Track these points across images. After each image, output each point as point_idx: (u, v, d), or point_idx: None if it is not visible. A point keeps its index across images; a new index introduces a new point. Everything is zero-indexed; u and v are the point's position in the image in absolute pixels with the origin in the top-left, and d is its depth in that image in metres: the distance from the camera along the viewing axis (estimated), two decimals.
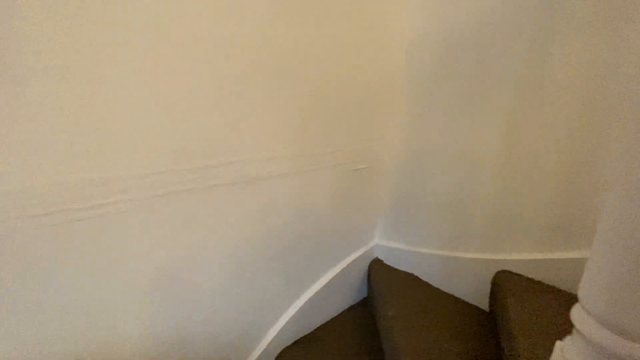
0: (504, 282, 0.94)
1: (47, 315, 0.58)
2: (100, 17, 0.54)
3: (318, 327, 1.10)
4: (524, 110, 0.88)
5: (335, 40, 0.87)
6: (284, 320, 1.01)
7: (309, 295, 1.05)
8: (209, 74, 0.68)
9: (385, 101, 1.05)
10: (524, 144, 0.90)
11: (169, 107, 0.65)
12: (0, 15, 0.46)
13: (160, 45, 0.61)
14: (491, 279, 1.01)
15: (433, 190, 1.07)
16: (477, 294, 1.04)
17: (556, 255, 0.93)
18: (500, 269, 1.00)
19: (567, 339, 0.37)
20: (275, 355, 1.01)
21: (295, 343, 1.04)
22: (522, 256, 0.97)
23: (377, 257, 1.24)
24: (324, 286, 1.08)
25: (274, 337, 0.99)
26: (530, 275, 0.96)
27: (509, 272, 0.98)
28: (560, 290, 0.90)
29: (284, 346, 1.03)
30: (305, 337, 1.07)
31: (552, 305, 0.83)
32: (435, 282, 1.13)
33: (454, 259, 1.07)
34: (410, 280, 1.14)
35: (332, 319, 1.14)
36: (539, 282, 0.93)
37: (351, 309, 1.20)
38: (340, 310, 1.18)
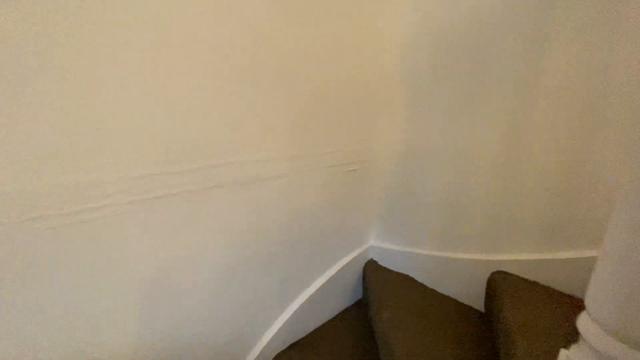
0: (500, 283, 0.94)
1: (47, 315, 0.57)
2: (94, 17, 0.53)
3: (313, 331, 1.09)
4: (521, 111, 0.87)
5: (332, 41, 0.86)
6: (278, 324, 0.99)
7: (304, 298, 1.03)
8: (207, 75, 0.67)
9: (381, 101, 1.04)
10: (520, 144, 0.90)
11: (167, 107, 0.64)
12: None
13: (158, 45, 0.60)
14: (487, 280, 1.01)
15: (428, 190, 1.07)
16: (472, 294, 1.04)
17: (551, 255, 0.93)
18: (495, 270, 1.00)
19: (573, 347, 0.36)
20: None
21: (291, 347, 1.03)
22: (518, 257, 0.97)
23: (372, 259, 1.23)
24: (319, 289, 1.07)
25: (269, 341, 0.97)
26: (525, 276, 0.96)
27: (505, 272, 0.98)
28: (555, 291, 0.90)
29: (279, 350, 1.01)
30: (300, 340, 1.06)
31: (549, 306, 0.83)
32: (430, 283, 1.12)
33: (449, 259, 1.07)
34: (406, 282, 1.13)
35: (327, 322, 1.13)
36: (534, 283, 0.93)
37: (346, 311, 1.19)
38: (336, 312, 1.17)
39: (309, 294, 1.05)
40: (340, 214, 1.07)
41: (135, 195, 0.63)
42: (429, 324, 0.96)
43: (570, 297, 0.89)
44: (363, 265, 1.21)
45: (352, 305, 1.21)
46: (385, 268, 1.19)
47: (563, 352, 0.38)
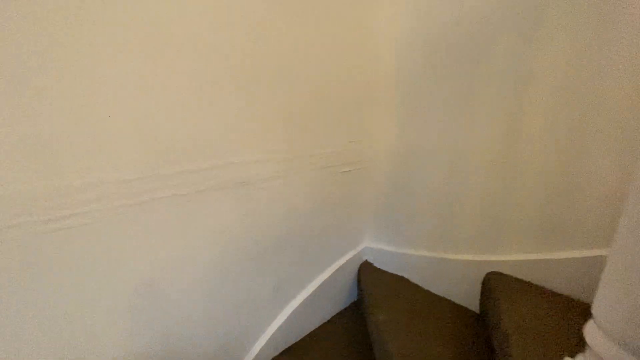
0: (495, 284, 0.94)
1: (33, 322, 0.55)
2: (94, 17, 0.52)
3: (308, 334, 1.07)
4: (517, 111, 0.87)
5: (329, 41, 0.85)
6: (273, 329, 0.97)
7: (299, 301, 1.02)
8: (203, 76, 0.66)
9: (377, 102, 1.03)
10: (516, 144, 0.89)
11: (162, 108, 0.62)
12: None
13: (157, 45, 0.59)
14: (481, 281, 1.01)
15: (423, 191, 1.06)
16: (467, 295, 1.04)
17: (546, 256, 0.93)
18: (490, 270, 1.00)
19: (579, 356, 0.36)
20: None
21: (285, 352, 1.01)
22: (512, 257, 0.97)
23: (366, 260, 1.22)
24: (314, 291, 1.05)
25: (263, 346, 0.95)
26: (520, 276, 0.96)
27: (499, 273, 0.98)
28: (550, 291, 0.91)
29: (273, 355, 0.99)
30: (295, 344, 1.04)
31: (544, 307, 0.84)
32: (425, 284, 1.12)
33: (443, 260, 1.07)
34: (400, 283, 1.13)
35: (322, 325, 1.12)
36: (528, 283, 0.94)
37: (341, 313, 1.17)
38: (331, 315, 1.15)
39: (304, 297, 1.03)
40: (335, 215, 1.06)
41: (127, 199, 0.61)
42: (424, 325, 0.95)
43: (565, 297, 0.89)
44: (358, 266, 1.20)
45: (348, 307, 1.20)
46: (380, 269, 1.18)
47: None
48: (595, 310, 0.33)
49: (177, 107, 0.64)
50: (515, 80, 0.85)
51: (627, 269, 0.30)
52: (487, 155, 0.93)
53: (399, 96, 1.02)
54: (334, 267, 1.11)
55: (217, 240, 0.77)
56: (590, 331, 0.33)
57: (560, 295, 0.89)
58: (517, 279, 0.95)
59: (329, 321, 1.14)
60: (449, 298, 1.07)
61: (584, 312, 0.84)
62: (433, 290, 1.10)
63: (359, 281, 1.19)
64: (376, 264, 1.20)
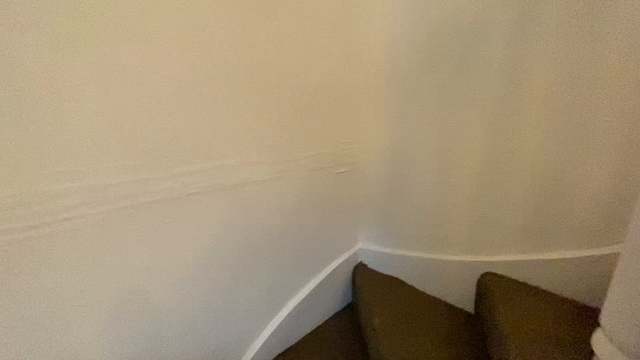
0: (490, 285, 0.94)
1: (8, 340, 0.51)
2: (62, 11, 0.48)
3: (302, 338, 1.06)
4: (507, 112, 0.87)
5: (315, 41, 0.83)
6: (267, 333, 0.95)
7: (293, 306, 1.00)
8: (189, 75, 0.63)
9: (368, 103, 1.02)
10: (507, 145, 0.90)
11: (138, 108, 0.59)
12: None
13: (131, 40, 0.55)
14: (476, 281, 1.01)
15: (416, 192, 1.05)
16: (462, 296, 1.04)
17: (538, 256, 0.94)
18: (484, 271, 1.00)
19: None
20: None
21: (280, 356, 0.99)
22: (506, 257, 0.97)
23: (361, 262, 1.21)
24: (308, 295, 1.04)
25: (257, 351, 0.93)
26: (513, 277, 0.96)
27: (494, 274, 0.98)
28: (544, 291, 0.91)
29: None
30: (289, 349, 1.02)
31: (540, 308, 0.84)
32: (420, 285, 1.11)
33: (438, 261, 1.06)
34: (395, 285, 1.12)
35: (317, 328, 1.10)
36: (523, 284, 0.94)
37: (336, 316, 1.16)
38: (325, 318, 1.14)
39: (299, 301, 1.01)
40: (329, 217, 1.05)
41: (111, 204, 0.58)
42: (420, 328, 0.95)
43: (560, 297, 0.89)
44: (352, 268, 1.19)
45: (342, 310, 1.19)
46: (374, 271, 1.17)
47: None
48: (603, 320, 0.32)
49: (163, 107, 0.61)
50: (505, 80, 0.85)
51: (637, 280, 0.29)
52: (479, 156, 0.93)
53: (390, 96, 1.01)
54: (329, 269, 1.10)
55: (207, 245, 0.75)
56: (598, 341, 0.32)
57: (554, 295, 0.90)
58: (511, 280, 0.95)
59: (323, 324, 1.12)
60: (444, 299, 1.07)
61: (579, 312, 0.85)
62: (428, 291, 1.10)
63: (353, 283, 1.18)
64: (371, 266, 1.19)
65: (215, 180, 0.72)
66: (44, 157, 0.50)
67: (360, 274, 1.15)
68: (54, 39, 0.49)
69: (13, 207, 0.48)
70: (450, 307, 1.05)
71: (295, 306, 1.01)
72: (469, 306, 1.04)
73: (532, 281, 0.94)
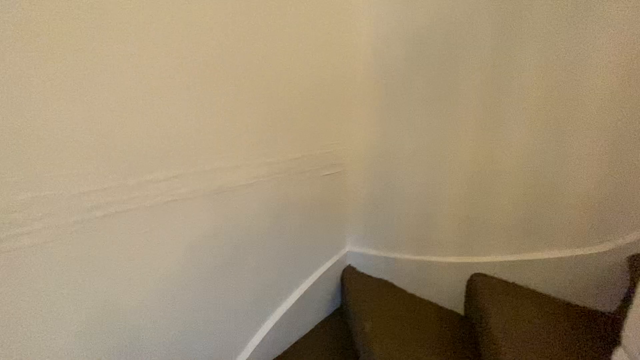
0: (480, 286, 0.93)
1: None
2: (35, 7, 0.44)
3: (292, 345, 1.03)
4: (492, 113, 0.86)
5: (299, 42, 0.80)
6: (255, 342, 0.91)
7: (281, 314, 0.96)
8: (160, 73, 0.58)
9: (353, 104, 0.99)
10: (495, 146, 0.89)
11: (115, 109, 0.54)
12: None
13: (100, 38, 0.50)
14: (466, 283, 1.00)
15: (404, 193, 1.04)
16: (452, 298, 1.03)
17: (526, 256, 0.94)
18: (473, 272, 0.99)
19: None
20: None
21: None
22: (495, 258, 0.97)
23: (349, 265, 1.18)
24: (297, 301, 1.00)
25: None
26: (502, 277, 0.96)
27: (484, 275, 0.97)
28: (534, 291, 0.91)
29: None
30: (278, 357, 0.99)
31: (531, 309, 0.84)
32: (410, 287, 1.10)
33: (427, 263, 1.05)
34: (385, 288, 1.10)
35: (306, 335, 1.07)
36: (513, 284, 0.94)
37: (325, 321, 1.13)
38: (314, 324, 1.11)
39: (287, 307, 0.98)
40: (317, 220, 1.02)
41: (83, 214, 0.53)
42: (411, 332, 0.93)
43: (549, 297, 0.89)
44: (341, 272, 1.16)
45: (331, 315, 1.16)
46: (364, 274, 1.15)
47: None
48: (625, 339, 0.30)
49: (137, 110, 0.57)
50: (492, 81, 0.84)
51: None
52: (467, 157, 0.92)
53: (377, 97, 0.99)
54: (317, 274, 1.07)
55: (189, 253, 0.71)
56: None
57: (544, 295, 0.90)
58: (501, 280, 0.95)
59: (313, 330, 1.10)
60: (434, 301, 1.06)
61: (568, 312, 0.85)
62: (418, 293, 1.09)
63: (342, 287, 1.15)
64: (360, 269, 1.17)
65: (196, 186, 0.68)
66: (10, 165, 0.46)
67: (349, 278, 1.13)
68: (16, 35, 0.44)
69: None
70: (441, 310, 1.04)
71: (283, 314, 0.97)
72: (459, 307, 1.03)
73: (521, 281, 0.94)
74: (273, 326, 0.95)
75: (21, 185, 0.47)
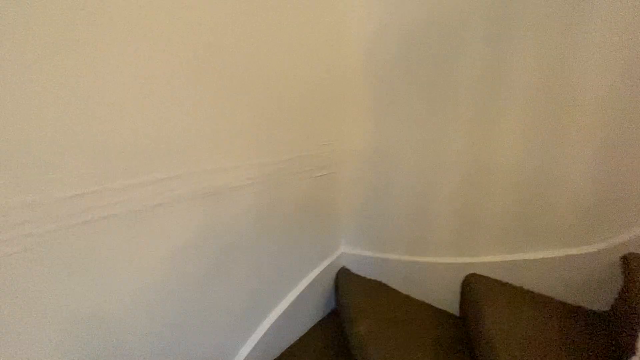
0: (475, 286, 0.93)
1: None
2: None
3: (286, 350, 1.01)
4: (485, 112, 0.86)
5: (292, 41, 0.78)
6: (247, 349, 0.90)
7: (274, 318, 0.95)
8: (148, 69, 0.55)
9: (347, 103, 0.98)
10: (488, 146, 0.88)
11: (98, 108, 0.51)
12: None
13: (89, 28, 0.48)
14: (461, 283, 0.99)
15: (397, 194, 1.03)
16: (447, 298, 1.03)
17: (521, 256, 0.94)
18: (468, 272, 0.99)
19: None
20: None
21: None
22: (489, 259, 0.97)
23: (344, 266, 1.17)
24: (290, 304, 0.99)
25: None
26: (497, 277, 0.96)
27: (478, 275, 0.97)
28: (528, 291, 0.91)
29: None
30: None
31: (525, 308, 0.83)
32: (404, 288, 1.09)
33: (421, 264, 1.05)
34: (380, 290, 1.09)
35: (300, 338, 1.06)
36: (507, 284, 0.94)
37: (320, 324, 1.12)
38: (309, 327, 1.10)
39: (280, 312, 0.96)
40: (310, 222, 1.00)
41: (63, 220, 0.50)
42: (407, 334, 0.93)
43: (544, 297, 0.89)
44: (335, 273, 1.15)
45: (326, 317, 1.15)
46: (358, 276, 1.14)
47: None
48: None
49: (128, 108, 0.54)
50: (486, 80, 0.83)
51: None
52: (461, 157, 0.91)
53: (370, 96, 0.97)
54: (311, 276, 1.05)
55: (177, 259, 0.68)
56: None
57: (538, 295, 0.90)
58: (496, 281, 0.94)
59: (307, 333, 1.08)
60: (429, 302, 1.06)
61: (563, 311, 0.85)
62: (413, 294, 1.08)
63: (336, 289, 1.14)
64: (354, 270, 1.16)
65: (185, 189, 0.66)
66: None
67: (344, 280, 1.11)
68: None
69: None
70: (436, 311, 1.03)
71: (277, 317, 0.96)
72: (454, 308, 1.02)
73: (516, 281, 0.94)
74: (267, 331, 0.93)
75: None
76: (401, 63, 0.90)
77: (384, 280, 1.12)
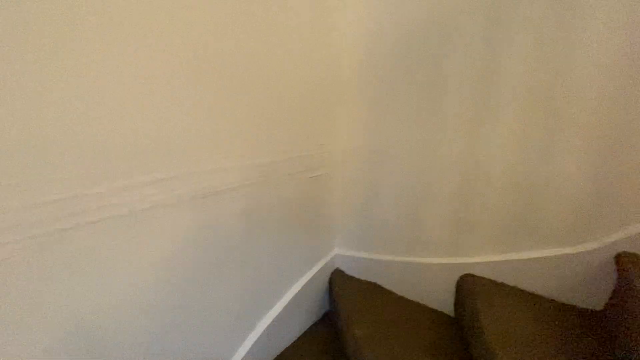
0: (470, 287, 0.93)
1: None
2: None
3: (280, 354, 1.00)
4: (480, 113, 0.86)
5: (288, 41, 0.77)
6: (241, 354, 0.88)
7: (268, 322, 0.93)
8: (141, 74, 0.53)
9: (342, 104, 0.97)
10: (482, 146, 0.88)
11: (87, 106, 0.49)
12: None
13: (80, 24, 0.46)
14: (456, 283, 0.99)
15: (392, 194, 1.02)
16: (442, 299, 1.03)
17: (516, 256, 0.94)
18: (463, 273, 0.98)
19: None
20: None
21: None
22: (484, 259, 0.97)
23: (337, 268, 1.16)
24: (285, 308, 0.97)
25: None
26: (492, 277, 0.96)
27: (473, 275, 0.97)
28: (523, 291, 0.91)
29: None
30: None
31: (521, 308, 0.83)
32: (399, 289, 1.09)
33: (416, 264, 1.04)
34: (374, 291, 1.08)
35: (295, 342, 1.04)
36: (502, 284, 0.93)
37: (314, 327, 1.11)
38: (303, 330, 1.08)
39: (274, 315, 0.95)
40: (303, 224, 0.99)
41: (48, 226, 0.48)
42: (403, 336, 0.92)
43: (537, 296, 0.90)
44: (329, 275, 1.14)
45: (321, 319, 1.14)
46: (352, 277, 1.13)
47: None
48: None
49: (128, 108, 0.53)
50: (483, 81, 0.83)
51: None
52: (455, 157, 0.91)
53: (365, 97, 0.97)
54: (305, 278, 1.04)
55: (169, 263, 0.66)
56: None
57: (533, 294, 0.90)
58: (491, 281, 0.94)
59: (301, 336, 1.07)
60: (424, 303, 1.05)
61: (557, 310, 0.85)
62: (408, 295, 1.07)
63: (330, 291, 1.13)
64: (348, 272, 1.15)
65: (178, 191, 0.64)
66: None
67: (338, 282, 1.10)
68: None
69: None
70: (431, 311, 1.03)
71: (272, 321, 0.94)
72: (449, 309, 1.02)
73: (510, 281, 0.94)
74: (260, 335, 0.91)
75: None
76: (398, 64, 0.89)
77: (378, 282, 1.11)
